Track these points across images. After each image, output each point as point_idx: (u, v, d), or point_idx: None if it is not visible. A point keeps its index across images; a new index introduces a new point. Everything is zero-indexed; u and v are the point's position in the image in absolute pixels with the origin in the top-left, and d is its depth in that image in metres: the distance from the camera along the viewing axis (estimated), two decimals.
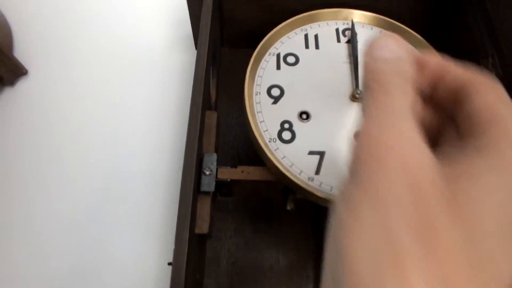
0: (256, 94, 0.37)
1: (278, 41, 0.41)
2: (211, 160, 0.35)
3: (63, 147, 0.49)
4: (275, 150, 0.34)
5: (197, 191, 0.34)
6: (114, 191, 0.46)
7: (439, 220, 0.13)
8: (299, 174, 0.33)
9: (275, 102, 0.37)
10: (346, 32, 0.42)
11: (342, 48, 0.41)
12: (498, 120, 0.15)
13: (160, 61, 0.55)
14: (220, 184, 0.35)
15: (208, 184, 0.34)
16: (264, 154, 0.34)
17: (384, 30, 0.43)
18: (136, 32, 0.57)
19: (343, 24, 0.43)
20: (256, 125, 0.35)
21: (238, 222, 0.44)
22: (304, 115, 0.36)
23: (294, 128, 0.35)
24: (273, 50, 0.40)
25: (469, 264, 0.12)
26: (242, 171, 0.35)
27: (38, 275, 0.42)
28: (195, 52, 0.39)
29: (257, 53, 0.39)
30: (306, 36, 0.42)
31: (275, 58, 0.39)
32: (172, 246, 0.30)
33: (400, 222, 0.13)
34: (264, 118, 0.36)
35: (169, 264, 0.31)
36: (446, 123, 0.19)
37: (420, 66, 0.18)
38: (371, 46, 0.18)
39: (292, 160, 0.34)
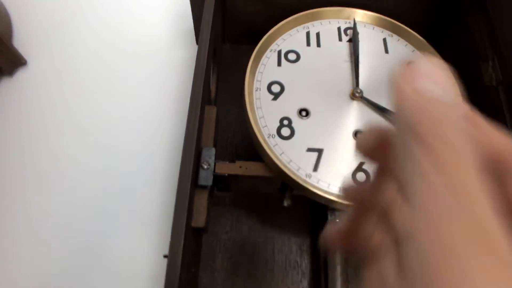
0: (256, 90, 0.37)
1: (280, 38, 0.41)
2: (209, 155, 0.35)
3: (62, 138, 0.49)
4: (273, 146, 0.34)
5: (195, 184, 0.34)
6: (113, 182, 0.46)
7: None
8: (297, 170, 0.33)
9: (275, 99, 0.37)
10: (348, 31, 0.42)
11: (344, 46, 0.41)
12: None
13: (161, 55, 0.55)
14: (218, 179, 0.35)
15: (205, 178, 0.34)
16: (262, 150, 0.34)
17: (387, 31, 0.43)
18: (137, 25, 0.57)
19: (345, 23, 0.43)
20: (256, 121, 0.35)
21: (234, 218, 0.44)
22: (304, 112, 0.36)
23: (294, 124, 0.35)
24: (274, 46, 0.40)
25: None
26: (240, 166, 0.35)
27: (35, 265, 0.42)
28: (196, 47, 0.39)
29: (259, 49, 0.39)
30: (308, 34, 0.42)
31: (276, 54, 0.39)
32: (168, 238, 0.30)
33: None
34: (264, 114, 0.36)
35: (165, 256, 0.31)
36: None
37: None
38: (410, 70, 0.13)
39: (291, 156, 0.34)
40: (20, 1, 0.58)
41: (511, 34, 0.39)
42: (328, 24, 0.43)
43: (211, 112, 0.38)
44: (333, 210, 0.37)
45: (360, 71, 0.39)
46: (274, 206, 0.44)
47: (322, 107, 0.36)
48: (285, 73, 0.38)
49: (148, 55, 0.55)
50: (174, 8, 0.58)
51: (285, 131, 0.35)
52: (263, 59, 0.39)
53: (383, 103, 0.37)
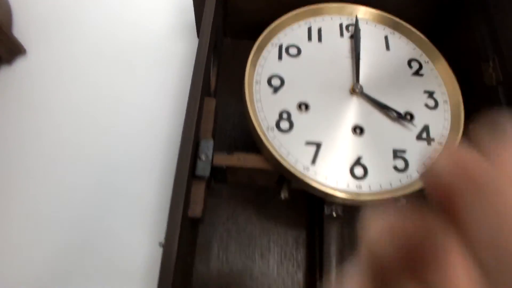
0: (256, 83, 0.37)
1: (281, 32, 0.41)
2: (207, 146, 0.35)
3: (61, 127, 0.49)
4: (272, 139, 0.34)
5: (192, 175, 0.34)
6: (111, 172, 0.46)
7: None
8: (295, 163, 0.33)
9: (274, 92, 0.37)
10: (350, 28, 0.42)
11: (345, 43, 0.41)
12: None
13: (162, 48, 0.54)
14: (216, 170, 0.35)
15: (203, 169, 0.34)
16: (261, 142, 0.34)
17: (389, 28, 0.43)
18: (138, 17, 0.57)
19: (347, 19, 0.43)
20: (255, 114, 0.35)
21: (231, 209, 0.44)
22: (303, 106, 0.36)
23: (293, 118, 0.35)
24: (275, 40, 0.40)
25: None
26: (238, 158, 0.35)
27: (32, 251, 0.42)
28: (197, 41, 0.39)
29: (260, 42, 0.39)
30: (309, 29, 0.42)
31: (277, 48, 0.39)
32: (164, 228, 0.30)
33: None
34: (263, 107, 0.36)
35: (160, 244, 0.31)
36: None
37: None
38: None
39: (289, 149, 0.34)
40: None
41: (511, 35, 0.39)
42: (330, 20, 0.43)
43: (210, 104, 0.38)
44: (330, 203, 0.37)
45: (360, 67, 0.39)
46: (271, 198, 0.44)
47: (321, 101, 0.36)
48: (285, 67, 0.38)
49: (149, 47, 0.55)
50: (175, 0, 0.58)
51: (284, 124, 0.35)
52: (264, 53, 0.39)
53: (382, 99, 0.37)
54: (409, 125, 0.36)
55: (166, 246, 0.30)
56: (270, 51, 0.39)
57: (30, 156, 0.47)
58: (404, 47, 0.42)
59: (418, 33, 0.42)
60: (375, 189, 0.33)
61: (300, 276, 0.42)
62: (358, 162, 0.34)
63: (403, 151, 0.35)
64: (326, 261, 0.37)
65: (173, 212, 0.31)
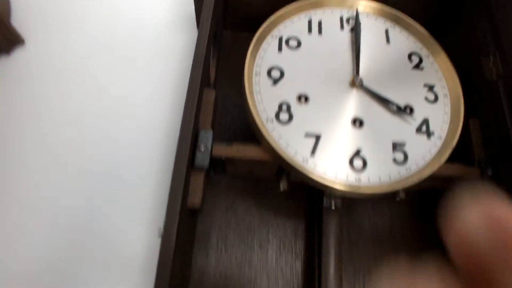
0: (256, 75, 0.37)
1: (282, 24, 0.41)
2: (206, 137, 0.35)
3: (61, 118, 0.49)
4: (272, 130, 0.34)
5: (191, 166, 0.34)
6: (110, 162, 0.46)
7: None
8: (294, 155, 0.33)
9: (274, 84, 0.37)
10: (350, 21, 0.42)
11: (345, 35, 0.41)
12: None
13: (161, 39, 0.54)
14: (215, 161, 0.35)
15: (202, 160, 0.34)
16: (260, 134, 0.34)
17: (389, 22, 0.42)
18: (138, 8, 0.57)
19: (348, 12, 0.43)
20: (254, 105, 0.35)
21: (230, 200, 0.44)
22: (303, 98, 0.36)
23: (292, 110, 0.35)
24: (275, 32, 0.40)
25: None
26: (238, 149, 0.35)
27: (34, 238, 0.42)
28: (196, 32, 0.38)
29: (260, 34, 0.39)
30: (309, 21, 0.41)
31: (277, 40, 0.39)
32: (164, 218, 0.30)
33: None
34: (263, 99, 0.36)
35: (159, 234, 0.31)
36: None
37: None
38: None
39: (288, 141, 0.34)
40: None
41: None
42: (331, 13, 0.43)
43: (210, 95, 0.38)
44: (329, 195, 0.37)
45: (360, 60, 0.39)
46: (270, 190, 0.44)
47: (321, 93, 0.36)
48: (285, 59, 0.38)
49: (149, 39, 0.54)
50: None
51: (284, 116, 0.35)
52: (264, 44, 0.39)
53: (382, 92, 0.37)
54: (409, 118, 0.36)
55: (165, 236, 0.30)
56: (270, 43, 0.39)
57: (29, 147, 0.47)
58: (404, 40, 0.41)
59: (418, 27, 0.42)
60: (374, 182, 0.33)
61: (298, 266, 0.42)
62: (357, 154, 0.34)
63: (403, 144, 0.35)
64: (325, 253, 0.37)
65: (172, 202, 0.31)
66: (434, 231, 0.48)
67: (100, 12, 0.56)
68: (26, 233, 0.43)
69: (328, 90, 0.37)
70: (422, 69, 0.40)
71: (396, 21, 0.43)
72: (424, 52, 0.41)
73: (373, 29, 0.42)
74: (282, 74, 0.37)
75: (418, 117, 0.36)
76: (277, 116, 0.35)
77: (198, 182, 0.34)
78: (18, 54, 0.53)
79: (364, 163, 0.34)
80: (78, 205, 0.44)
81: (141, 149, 0.47)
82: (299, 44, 0.39)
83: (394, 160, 0.34)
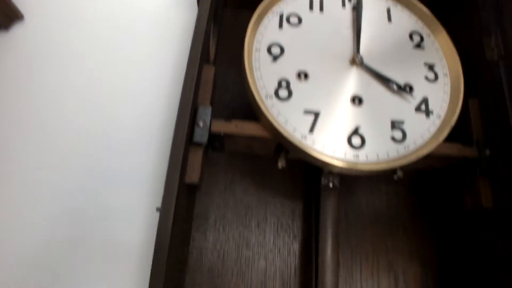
0: (256, 51, 0.37)
1: (283, 1, 0.40)
2: (205, 113, 0.35)
3: (58, 92, 0.48)
4: (271, 107, 0.34)
5: (190, 141, 0.34)
6: (110, 138, 0.46)
7: None
8: (293, 131, 0.33)
9: (274, 60, 0.36)
10: None
11: (346, 13, 0.40)
12: None
13: (162, 17, 0.54)
14: (213, 138, 0.35)
15: (200, 135, 0.34)
16: (259, 110, 0.34)
17: (391, 0, 0.42)
18: None
19: None
20: (254, 81, 0.35)
21: (228, 179, 0.44)
22: (303, 75, 0.36)
23: (292, 87, 0.35)
24: (276, 9, 0.39)
25: None
26: (236, 125, 0.35)
27: (34, 218, 0.43)
28: (197, 11, 0.38)
29: (261, 11, 0.38)
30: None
31: (278, 17, 0.39)
32: (161, 196, 0.30)
33: None
34: (262, 75, 0.35)
35: (157, 209, 0.31)
36: None
37: None
38: None
39: (287, 117, 0.34)
40: None
41: None
42: None
43: (209, 71, 0.38)
44: (327, 174, 0.37)
45: (361, 39, 0.38)
46: (268, 169, 0.44)
47: (321, 71, 0.36)
48: (286, 35, 0.38)
49: (150, 16, 0.54)
50: None
51: (283, 93, 0.35)
52: (265, 21, 0.38)
53: (382, 70, 0.37)
54: (408, 97, 0.36)
55: (162, 210, 0.30)
56: (271, 20, 0.38)
57: (28, 121, 0.47)
58: (406, 19, 0.41)
59: (420, 5, 0.41)
60: (372, 159, 0.33)
61: (296, 246, 0.43)
62: (356, 132, 0.34)
63: (401, 122, 0.35)
64: (322, 232, 0.38)
65: (170, 177, 0.31)
66: (431, 211, 0.49)
67: None
68: (25, 215, 0.43)
69: (328, 68, 0.36)
70: (423, 48, 0.39)
71: (398, 0, 0.42)
72: (425, 31, 0.40)
73: (374, 7, 0.41)
74: (282, 50, 0.37)
75: (417, 96, 0.36)
76: (276, 92, 0.35)
77: (196, 158, 0.34)
78: (17, 30, 0.52)
79: (363, 141, 0.34)
80: (78, 181, 0.44)
81: (141, 126, 0.47)
82: (300, 21, 0.39)
83: (393, 138, 0.34)
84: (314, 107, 0.34)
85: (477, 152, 0.37)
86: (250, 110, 0.35)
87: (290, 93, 0.35)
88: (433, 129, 0.35)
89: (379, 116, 0.35)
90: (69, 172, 0.45)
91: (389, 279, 0.42)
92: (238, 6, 0.52)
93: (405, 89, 0.36)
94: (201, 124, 0.34)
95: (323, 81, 0.36)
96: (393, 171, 0.35)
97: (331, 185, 0.38)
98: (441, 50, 0.39)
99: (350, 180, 0.45)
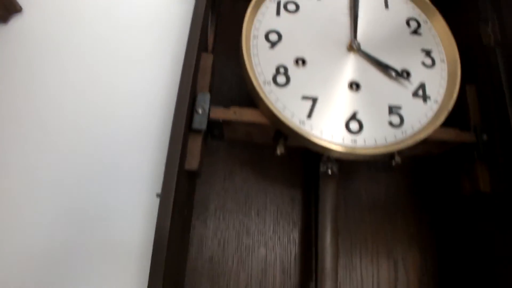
0: (254, 38, 0.37)
1: None
2: (204, 100, 0.35)
3: (56, 84, 0.49)
4: (269, 93, 0.34)
5: (189, 128, 0.34)
6: (109, 124, 0.46)
7: None
8: (291, 117, 0.34)
9: (272, 47, 0.36)
10: None
11: (344, 0, 0.41)
12: None
13: (161, 5, 0.54)
14: (212, 125, 0.35)
15: (200, 122, 0.34)
16: (257, 96, 0.34)
17: None
18: None
19: None
20: (252, 67, 0.35)
21: (228, 168, 0.44)
22: (300, 61, 0.36)
23: (290, 73, 0.35)
24: None
25: None
26: (235, 112, 0.35)
27: (35, 213, 0.43)
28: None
29: None
30: None
31: (275, 4, 0.39)
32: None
33: None
34: (260, 61, 0.35)
35: (158, 195, 0.32)
36: None
37: None
38: None
39: (285, 103, 0.34)
40: None
41: None
42: None
43: (208, 59, 0.38)
44: (326, 161, 0.38)
45: (359, 25, 0.38)
46: (268, 158, 0.44)
47: (319, 57, 0.36)
48: (283, 22, 0.38)
49: (148, 5, 0.54)
50: None
51: (281, 79, 0.35)
52: (262, 8, 0.38)
53: (380, 56, 0.37)
54: (406, 82, 0.36)
55: (163, 195, 0.31)
56: (268, 7, 0.39)
57: (26, 114, 0.47)
58: (403, 6, 0.41)
59: None
60: (370, 144, 0.34)
61: (296, 233, 0.43)
62: (353, 117, 0.34)
63: (399, 107, 0.35)
64: (322, 218, 0.38)
65: (170, 163, 0.31)
66: (430, 198, 0.49)
67: None
68: (25, 215, 0.43)
69: (325, 54, 0.37)
70: (420, 34, 0.39)
71: None
72: (422, 18, 0.40)
73: None
74: (280, 37, 0.37)
75: (414, 81, 0.36)
76: (274, 79, 0.35)
77: (196, 144, 0.35)
78: (16, 23, 0.52)
79: (360, 126, 0.34)
80: (79, 168, 0.44)
81: (140, 109, 0.47)
82: (297, 7, 0.39)
83: (390, 123, 0.34)
84: (312, 93, 0.35)
85: (474, 137, 0.38)
86: (249, 99, 0.36)
87: (288, 79, 0.35)
88: (430, 114, 0.35)
89: (376, 102, 0.35)
90: (68, 154, 0.45)
91: (389, 265, 0.43)
92: None
93: (402, 75, 0.36)
94: (200, 111, 0.34)
95: (320, 67, 0.36)
96: (391, 156, 0.35)
97: (330, 172, 0.38)
98: (438, 36, 0.40)
99: (349, 168, 0.45)
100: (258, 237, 0.43)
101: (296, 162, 0.45)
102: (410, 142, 0.34)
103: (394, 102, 0.35)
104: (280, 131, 0.35)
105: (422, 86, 0.36)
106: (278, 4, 0.39)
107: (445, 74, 0.38)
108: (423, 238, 0.44)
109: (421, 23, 0.40)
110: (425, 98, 0.36)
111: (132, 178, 0.45)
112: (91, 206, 0.43)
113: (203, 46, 0.39)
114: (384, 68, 0.36)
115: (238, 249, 0.42)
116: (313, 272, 0.41)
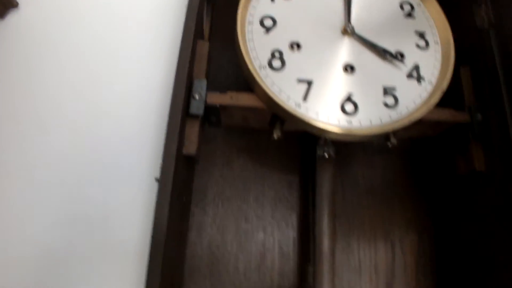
0: (249, 24, 0.37)
1: None
2: (201, 85, 0.35)
3: (53, 79, 0.49)
4: (264, 77, 0.35)
5: (186, 114, 0.34)
6: (107, 111, 0.46)
7: None
8: (287, 100, 0.34)
9: (267, 32, 0.37)
10: None
11: None
12: None
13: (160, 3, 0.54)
14: (209, 110, 0.36)
15: (197, 107, 0.34)
16: (253, 80, 0.34)
17: None
18: None
19: None
20: (247, 52, 0.35)
21: (226, 155, 0.45)
22: (295, 46, 0.36)
23: (285, 57, 0.36)
24: None
25: None
26: (231, 97, 0.35)
27: (35, 210, 0.43)
28: None
29: None
30: None
31: None
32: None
33: None
34: (255, 46, 0.36)
35: (157, 180, 0.32)
36: None
37: None
38: None
39: (281, 86, 0.34)
40: None
41: None
42: None
43: (204, 46, 0.38)
44: (323, 144, 0.38)
45: (352, 9, 0.39)
46: (265, 144, 0.45)
47: (313, 41, 0.37)
48: (278, 8, 0.38)
49: (146, 4, 0.54)
50: None
51: (276, 63, 0.35)
52: None
53: (374, 39, 0.37)
54: (400, 64, 0.37)
55: (161, 180, 0.31)
56: None
57: (23, 110, 0.47)
58: None
59: None
60: (366, 125, 0.34)
61: (294, 218, 0.44)
62: (348, 99, 0.35)
63: (393, 89, 0.35)
64: (319, 201, 0.39)
65: (168, 148, 0.32)
66: (426, 180, 0.49)
67: None
68: (25, 215, 0.43)
69: (320, 38, 0.37)
70: (413, 17, 0.40)
71: None
72: (415, 1, 0.41)
73: None
74: (274, 22, 0.37)
75: (408, 63, 0.37)
76: (269, 63, 0.35)
77: (193, 130, 0.35)
78: (12, 18, 0.53)
79: (356, 107, 0.34)
80: (77, 156, 0.45)
81: (139, 97, 0.47)
82: None
83: (385, 104, 0.35)
84: (307, 76, 0.35)
85: (469, 117, 0.38)
86: (245, 87, 0.36)
87: (283, 63, 0.35)
88: (425, 94, 0.36)
89: (371, 83, 0.35)
90: (68, 148, 0.45)
91: (386, 247, 0.43)
92: None
93: (396, 57, 0.37)
94: (196, 96, 0.35)
95: (315, 51, 0.36)
96: (386, 137, 0.35)
97: (326, 155, 0.38)
98: (431, 18, 0.40)
99: (346, 152, 0.46)
100: (256, 222, 0.43)
101: (293, 147, 0.45)
102: (406, 122, 0.34)
103: (389, 83, 0.36)
104: (277, 114, 0.35)
105: (416, 68, 0.37)
106: None
107: (439, 55, 0.38)
108: (420, 220, 0.45)
109: (415, 6, 0.40)
110: (419, 79, 0.36)
111: (132, 177, 0.45)
112: (91, 206, 0.44)
113: (199, 34, 0.39)
114: (378, 50, 0.37)
115: (237, 234, 0.43)
116: (311, 255, 0.42)
